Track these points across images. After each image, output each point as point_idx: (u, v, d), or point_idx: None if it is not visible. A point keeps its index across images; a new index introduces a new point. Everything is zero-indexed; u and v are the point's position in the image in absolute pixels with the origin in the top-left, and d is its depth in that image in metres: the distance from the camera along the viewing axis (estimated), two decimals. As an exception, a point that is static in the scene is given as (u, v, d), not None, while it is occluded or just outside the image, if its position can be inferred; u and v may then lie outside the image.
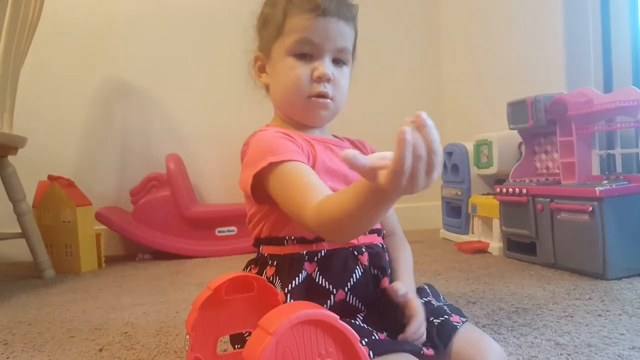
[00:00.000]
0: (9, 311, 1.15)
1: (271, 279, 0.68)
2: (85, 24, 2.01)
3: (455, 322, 0.64)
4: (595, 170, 1.32)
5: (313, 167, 0.68)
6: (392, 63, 2.29)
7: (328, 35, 0.70)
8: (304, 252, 0.67)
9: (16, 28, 1.41)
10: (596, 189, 1.16)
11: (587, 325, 0.84)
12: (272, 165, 0.64)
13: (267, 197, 0.67)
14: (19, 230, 1.55)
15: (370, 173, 0.45)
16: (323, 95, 0.71)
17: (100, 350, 0.84)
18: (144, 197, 1.89)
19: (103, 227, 1.82)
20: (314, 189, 0.60)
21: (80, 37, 2.01)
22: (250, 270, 0.74)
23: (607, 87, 1.55)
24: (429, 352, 0.60)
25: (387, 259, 0.72)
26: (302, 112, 0.74)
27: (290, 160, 0.64)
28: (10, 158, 1.54)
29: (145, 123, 2.08)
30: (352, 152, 0.44)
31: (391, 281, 0.70)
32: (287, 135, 0.69)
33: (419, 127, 0.43)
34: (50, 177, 1.70)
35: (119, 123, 2.07)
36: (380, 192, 0.48)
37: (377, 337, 0.58)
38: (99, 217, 1.80)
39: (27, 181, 1.61)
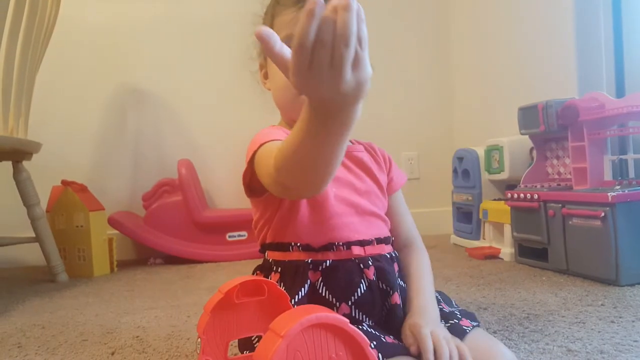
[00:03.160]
0: (23, 314, 1.16)
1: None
2: (99, 31, 2.05)
3: (465, 326, 0.64)
4: (608, 176, 1.31)
5: None
6: (402, 67, 2.29)
7: None
8: (309, 260, 0.66)
9: (32, 34, 1.44)
10: (608, 194, 1.15)
11: (599, 331, 0.84)
12: (261, 147, 0.62)
13: (261, 188, 0.65)
14: (33, 235, 1.57)
15: (281, 60, 0.39)
16: None
17: (113, 353, 0.85)
18: (156, 202, 1.91)
19: (115, 231, 1.84)
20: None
21: (94, 44, 2.04)
22: (256, 275, 0.74)
23: (619, 92, 1.54)
24: None
25: (397, 269, 0.71)
26: (296, 112, 0.72)
27: (277, 140, 0.62)
28: (25, 163, 1.56)
29: (157, 129, 2.11)
30: (268, 30, 0.38)
31: (405, 298, 0.68)
32: (282, 128, 0.68)
33: (339, 8, 0.35)
34: (63, 182, 1.72)
35: (131, 129, 2.10)
36: (310, 107, 0.44)
37: (385, 340, 0.58)
38: (112, 222, 1.82)
39: (41, 186, 1.63)
